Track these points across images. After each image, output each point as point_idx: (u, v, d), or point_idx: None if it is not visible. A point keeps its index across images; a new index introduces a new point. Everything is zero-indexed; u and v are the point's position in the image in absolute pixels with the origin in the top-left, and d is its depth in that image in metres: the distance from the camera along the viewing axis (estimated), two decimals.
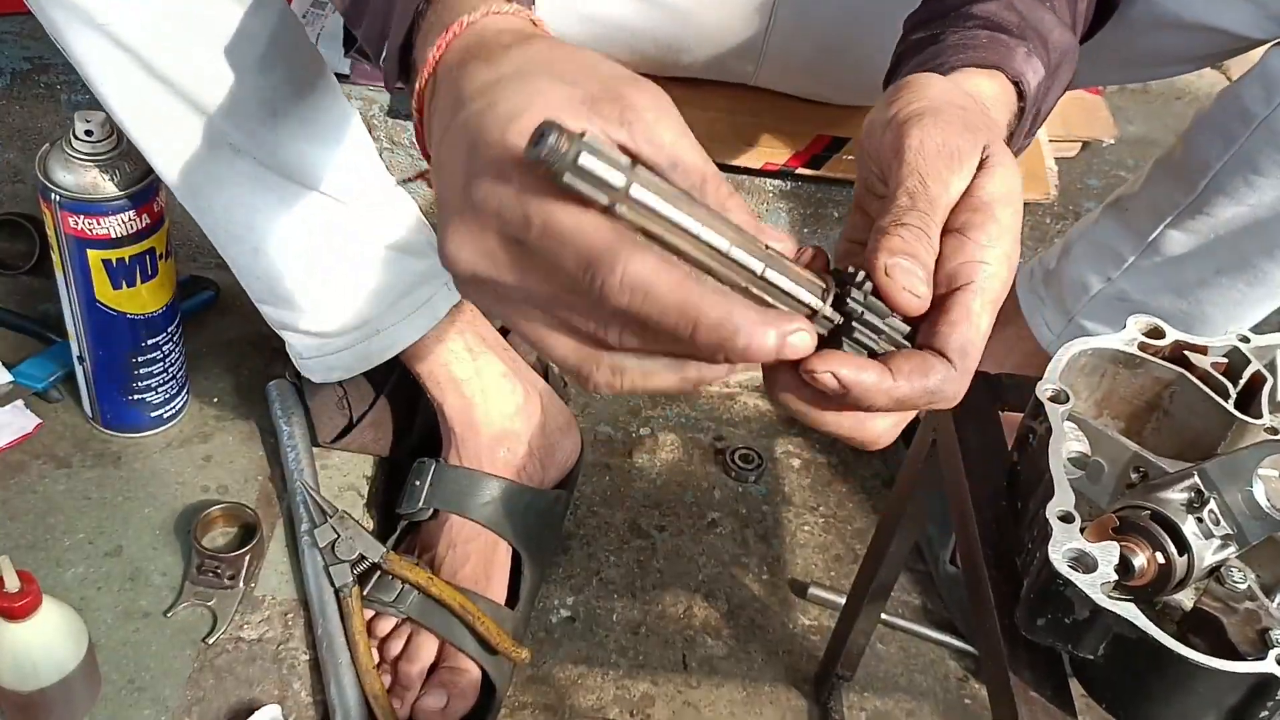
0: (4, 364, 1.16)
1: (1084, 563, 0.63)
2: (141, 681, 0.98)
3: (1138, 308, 1.06)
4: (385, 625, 1.03)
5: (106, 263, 1.00)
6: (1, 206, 1.29)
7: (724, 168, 1.21)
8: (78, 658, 0.91)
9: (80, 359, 1.09)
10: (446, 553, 1.06)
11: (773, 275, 0.48)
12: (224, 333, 1.26)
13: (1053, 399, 0.72)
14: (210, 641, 1.02)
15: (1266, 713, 0.62)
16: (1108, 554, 0.64)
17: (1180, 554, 0.66)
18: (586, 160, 0.42)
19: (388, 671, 1.01)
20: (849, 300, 0.52)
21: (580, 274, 0.45)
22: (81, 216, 0.98)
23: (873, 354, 0.53)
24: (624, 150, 0.46)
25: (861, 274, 0.53)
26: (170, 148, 0.91)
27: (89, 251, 1.00)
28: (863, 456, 1.31)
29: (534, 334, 0.49)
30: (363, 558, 1.02)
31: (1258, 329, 0.79)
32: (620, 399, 1.33)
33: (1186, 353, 0.76)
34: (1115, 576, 0.63)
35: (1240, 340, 0.77)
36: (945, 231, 0.56)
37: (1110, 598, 0.62)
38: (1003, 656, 0.69)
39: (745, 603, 1.16)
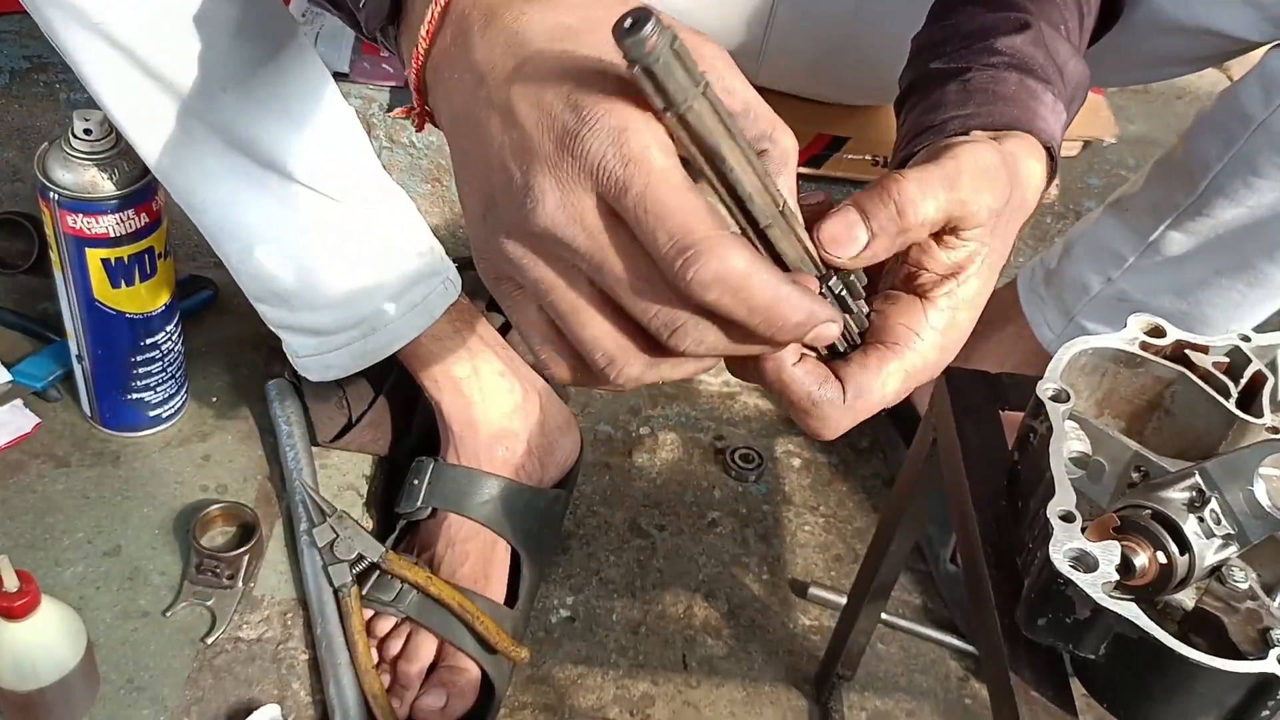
0: (3, 363, 1.16)
1: (1085, 562, 0.63)
2: (140, 681, 0.98)
3: (1138, 308, 1.05)
4: (384, 625, 1.03)
5: (105, 262, 1.00)
6: (0, 205, 1.29)
7: None
8: (77, 657, 0.90)
9: (79, 358, 1.09)
10: (445, 552, 1.06)
11: (774, 235, 0.48)
12: (222, 332, 1.26)
13: (1054, 398, 0.72)
14: (209, 641, 1.01)
15: (1267, 712, 0.62)
16: (1109, 553, 0.63)
17: (1181, 553, 0.66)
18: (671, 60, 0.41)
19: (387, 671, 1.01)
20: (831, 282, 0.53)
21: (672, 257, 0.43)
22: (80, 215, 0.97)
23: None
24: None
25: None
26: (165, 146, 0.91)
27: (88, 250, 0.99)
28: (863, 456, 1.31)
29: (572, 313, 0.47)
30: (361, 557, 1.02)
31: (1259, 329, 0.79)
32: (620, 398, 1.33)
33: (1188, 352, 0.76)
34: (1116, 576, 0.63)
35: (1241, 339, 0.77)
36: (916, 272, 0.57)
37: (1111, 597, 0.62)
38: (1003, 656, 0.69)
39: (745, 602, 1.16)
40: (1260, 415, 0.73)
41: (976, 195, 0.57)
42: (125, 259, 1.01)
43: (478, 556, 1.06)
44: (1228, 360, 0.76)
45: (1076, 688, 0.69)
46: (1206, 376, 0.75)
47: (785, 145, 0.51)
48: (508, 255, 0.47)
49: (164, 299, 1.06)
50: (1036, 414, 0.72)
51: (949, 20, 0.75)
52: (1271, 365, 0.76)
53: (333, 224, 0.99)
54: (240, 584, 1.05)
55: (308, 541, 1.05)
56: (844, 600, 1.06)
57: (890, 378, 0.55)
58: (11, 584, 0.85)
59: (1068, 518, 0.65)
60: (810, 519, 1.24)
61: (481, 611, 1.01)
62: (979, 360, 1.12)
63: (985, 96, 0.68)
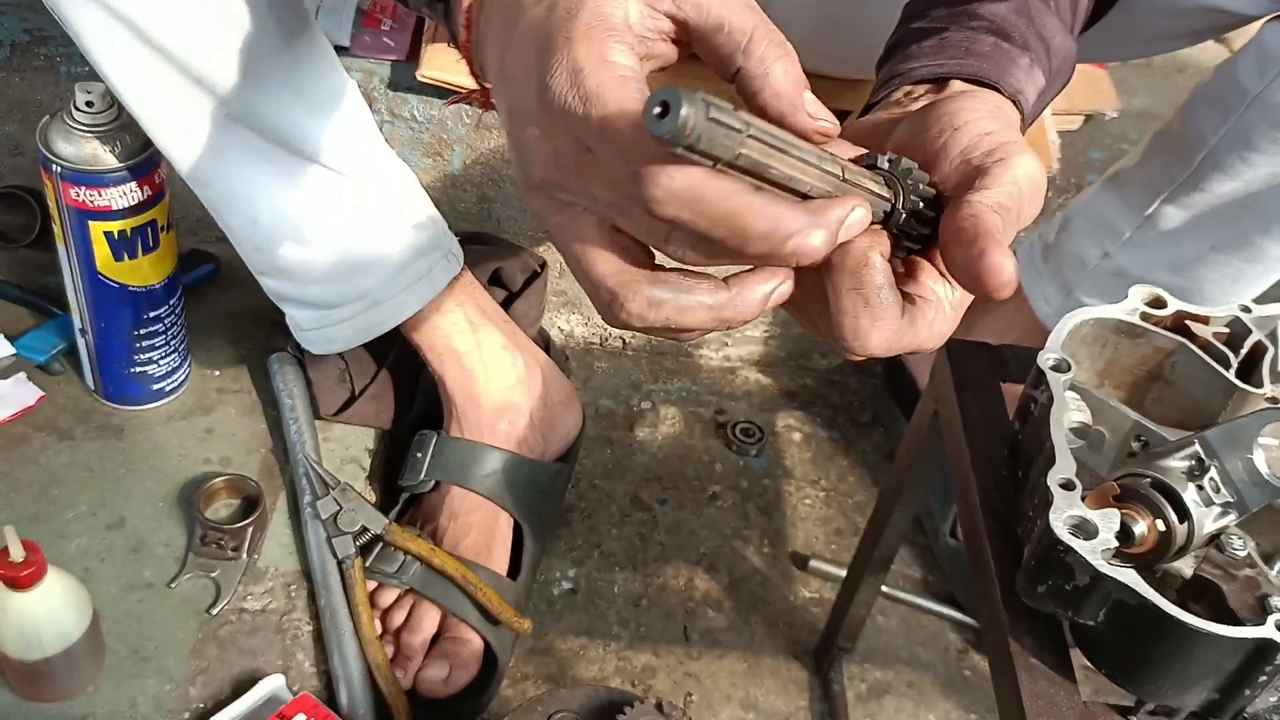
0: (6, 337, 1.16)
1: (1085, 529, 0.63)
2: (146, 652, 0.99)
3: (1134, 282, 1.05)
4: (388, 596, 1.04)
5: (108, 235, 1.00)
6: (1, 180, 1.29)
7: None
8: (82, 627, 0.91)
9: (82, 331, 1.09)
10: (448, 524, 1.06)
11: (851, 177, 0.49)
12: (225, 306, 1.26)
13: (1054, 368, 0.72)
14: (214, 612, 1.02)
15: (1265, 677, 0.62)
16: (1108, 521, 0.64)
17: (1180, 521, 0.66)
18: (710, 130, 0.41)
19: (390, 642, 1.01)
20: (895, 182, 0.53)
21: (632, 183, 0.45)
22: (83, 188, 0.98)
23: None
24: (671, 17, 0.50)
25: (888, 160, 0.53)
26: (167, 117, 0.91)
27: (90, 223, 1.00)
28: (864, 430, 1.32)
29: (583, 251, 0.49)
30: (365, 529, 1.03)
31: (1258, 302, 0.79)
32: (621, 373, 1.33)
33: (1188, 322, 0.77)
34: (1116, 543, 0.63)
35: (1241, 310, 0.77)
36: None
37: (1110, 564, 0.62)
38: (1003, 625, 0.69)
39: (746, 575, 1.17)
40: (1260, 385, 0.74)
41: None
42: (128, 232, 1.01)
43: (480, 529, 1.06)
44: (1228, 331, 0.77)
45: (1076, 657, 0.69)
46: (1207, 347, 0.75)
47: (770, 51, 0.50)
48: (534, 209, 0.51)
49: (167, 272, 1.06)
50: (1037, 384, 0.73)
51: None
52: (1271, 336, 0.76)
53: (335, 197, 0.99)
54: (244, 555, 1.05)
55: (311, 514, 1.05)
56: (844, 573, 1.06)
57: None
58: (18, 554, 0.86)
59: (1068, 485, 0.65)
60: (811, 492, 1.25)
61: (484, 583, 1.02)
62: (977, 335, 1.12)
63: (957, 51, 0.68)
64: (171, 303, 1.09)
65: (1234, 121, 0.93)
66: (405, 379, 1.17)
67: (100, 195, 0.98)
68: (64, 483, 1.08)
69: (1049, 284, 1.13)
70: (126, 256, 1.02)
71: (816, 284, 0.52)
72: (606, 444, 1.26)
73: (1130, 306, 0.77)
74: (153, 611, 1.01)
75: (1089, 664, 0.68)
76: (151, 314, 1.08)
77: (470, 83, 0.62)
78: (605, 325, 1.34)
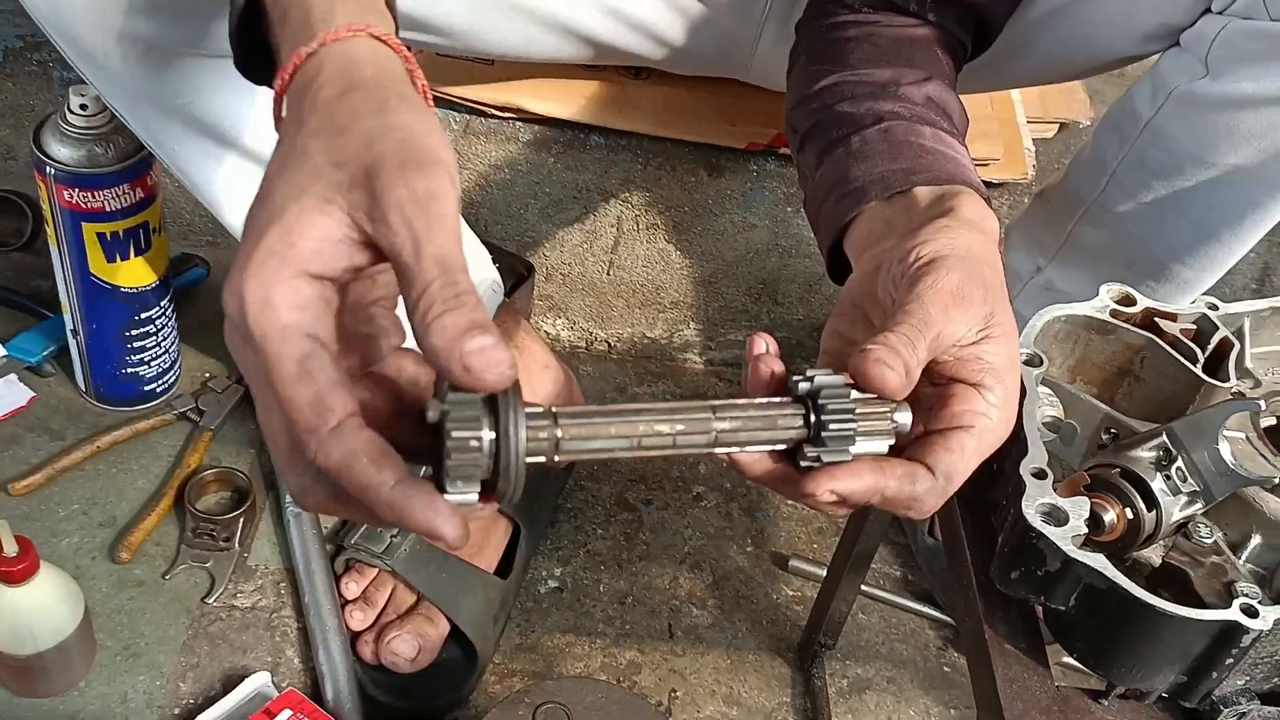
0: None
1: (1055, 516, 0.66)
2: (137, 648, 1.00)
3: (1064, 298, 1.08)
4: (370, 572, 1.05)
5: (101, 236, 1.02)
6: None
7: (706, 147, 1.23)
8: (74, 623, 0.92)
9: (74, 332, 1.10)
10: None
11: (725, 440, 0.54)
12: (215, 309, 1.25)
13: (1027, 363, 0.74)
14: (210, 601, 1.03)
15: (1232, 660, 0.64)
16: (1079, 508, 0.66)
17: (1149, 509, 0.69)
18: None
19: (361, 609, 1.03)
20: (817, 400, 0.55)
21: (294, 435, 0.47)
22: (77, 190, 0.99)
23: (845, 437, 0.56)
24: (372, 243, 0.48)
25: (817, 373, 0.56)
26: (154, 126, 0.91)
27: (84, 225, 1.01)
28: None
29: (261, 414, 0.50)
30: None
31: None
32: (607, 377, 1.35)
33: (1156, 319, 0.79)
34: (1086, 530, 0.66)
35: (1209, 308, 0.80)
36: (957, 380, 0.59)
37: (1080, 551, 0.65)
38: (979, 612, 0.71)
39: (730, 574, 1.18)
40: (1226, 380, 0.76)
41: (951, 325, 0.59)
42: (121, 233, 1.02)
43: (478, 528, 1.07)
44: (1195, 328, 0.79)
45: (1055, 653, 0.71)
46: (1175, 343, 0.78)
47: (448, 294, 0.47)
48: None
49: (159, 274, 1.08)
50: None
51: (835, 51, 0.81)
52: (1238, 333, 0.79)
53: None
54: (236, 546, 1.07)
55: (294, 511, 1.07)
56: (824, 572, 1.08)
57: (970, 456, 0.58)
58: (11, 549, 0.87)
59: (1040, 474, 0.68)
60: None
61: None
62: None
63: (911, 149, 0.72)
64: (163, 304, 1.10)
65: (1130, 145, 0.94)
66: None
67: (94, 197, 0.99)
68: (56, 482, 1.09)
69: None
70: (119, 258, 1.04)
71: None
72: None
73: (1100, 304, 0.79)
74: (144, 608, 1.03)
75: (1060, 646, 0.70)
76: (143, 315, 1.09)
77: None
78: (590, 329, 1.37)
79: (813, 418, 0.55)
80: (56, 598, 0.91)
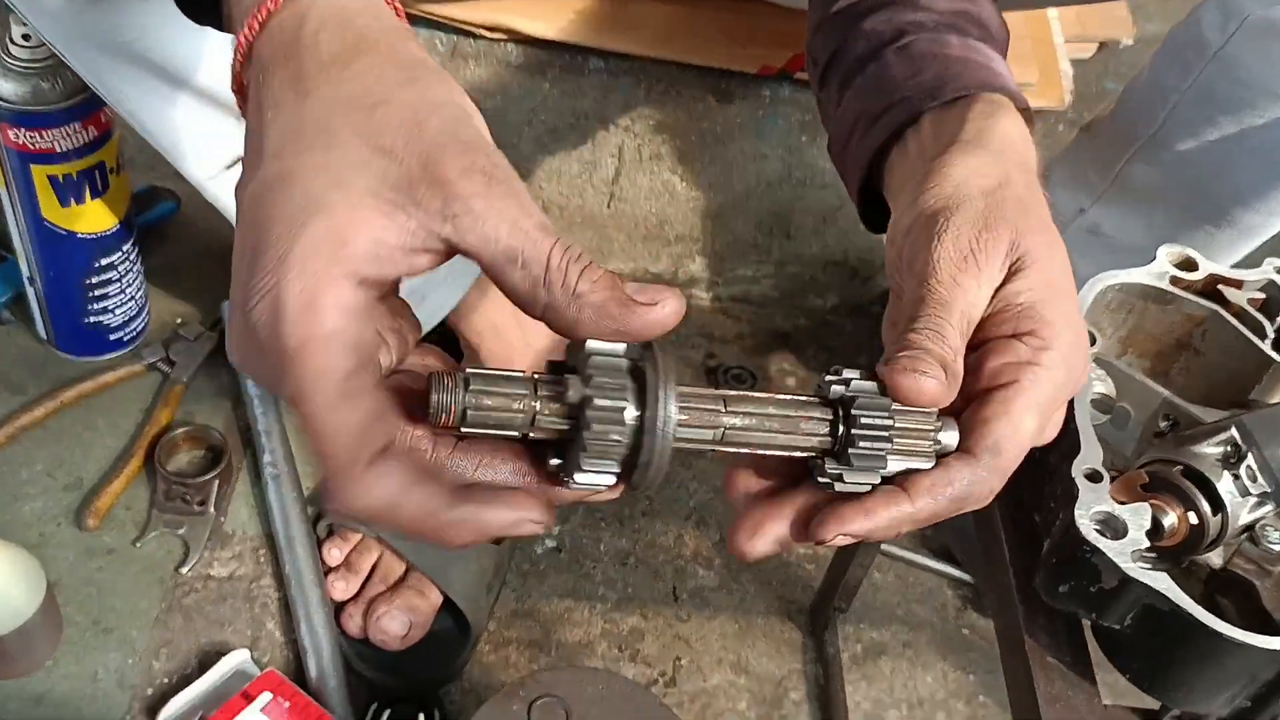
0: None
1: (1112, 527, 0.58)
2: (107, 623, 0.94)
3: (1110, 244, 1.00)
4: (354, 538, 0.99)
5: (52, 179, 0.93)
6: None
7: (714, 71, 1.14)
8: (34, 605, 0.86)
9: (30, 280, 1.02)
10: None
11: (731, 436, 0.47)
12: (187, 246, 1.19)
13: None
14: (185, 571, 0.97)
15: None
16: (1139, 517, 0.59)
17: (1214, 513, 0.61)
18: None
19: (344, 577, 0.97)
20: (850, 409, 0.48)
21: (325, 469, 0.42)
22: (23, 130, 0.90)
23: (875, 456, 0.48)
24: (448, 244, 0.42)
25: (853, 377, 0.49)
26: (97, 66, 0.82)
27: (33, 167, 0.92)
28: None
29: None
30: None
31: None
32: None
33: (1220, 287, 0.71)
34: (1146, 542, 0.58)
35: (1278, 273, 0.71)
36: (990, 339, 0.51)
37: (1140, 566, 0.57)
38: (1018, 620, 0.64)
39: None
40: None
41: (971, 294, 0.51)
42: (74, 175, 0.93)
43: None
44: (1263, 296, 0.71)
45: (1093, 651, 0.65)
46: (1241, 315, 0.70)
47: (571, 276, 0.43)
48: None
49: (119, 217, 0.99)
50: None
51: None
52: None
53: None
54: (211, 510, 1.00)
55: (272, 474, 1.00)
56: None
57: (1021, 416, 0.48)
58: None
59: (1094, 477, 0.60)
60: None
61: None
62: None
63: (934, 62, 0.61)
64: (125, 249, 1.02)
65: (1195, 76, 0.86)
66: None
67: (41, 137, 0.90)
68: (16, 441, 1.02)
69: None
70: (73, 202, 0.95)
71: None
72: None
73: (1159, 269, 0.71)
74: (114, 579, 0.96)
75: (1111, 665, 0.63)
76: (104, 262, 1.01)
77: None
78: None
79: (840, 429, 0.48)
80: (12, 580, 0.85)
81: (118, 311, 1.05)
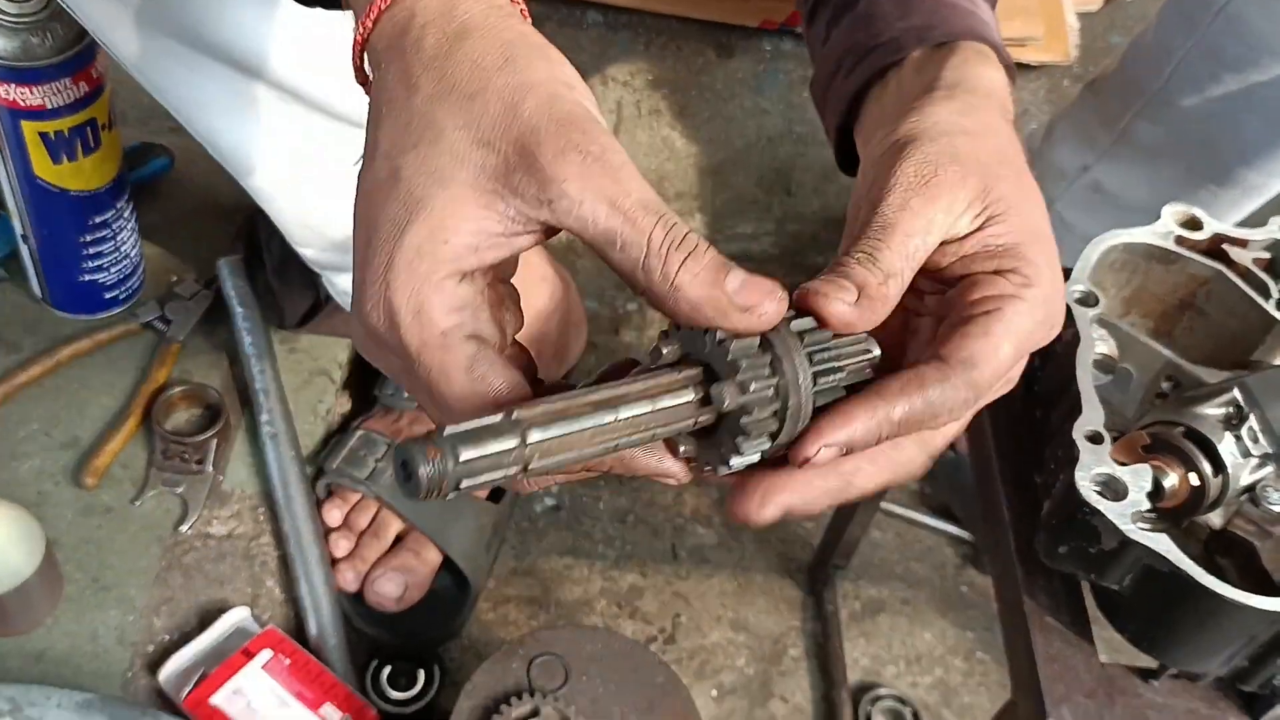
0: None
1: (1113, 489, 0.58)
2: (106, 580, 0.94)
3: (1113, 201, 0.99)
4: (353, 496, 0.99)
5: (44, 136, 0.92)
6: None
7: (715, 25, 1.12)
8: (33, 564, 0.86)
9: (24, 238, 1.01)
10: None
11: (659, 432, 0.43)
12: (182, 203, 1.18)
13: (1081, 301, 0.66)
14: (184, 529, 0.97)
15: None
16: (1139, 479, 0.58)
17: (1215, 474, 0.61)
18: (465, 474, 0.38)
19: (345, 536, 0.97)
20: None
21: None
22: (13, 85, 0.89)
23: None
24: (548, 226, 0.42)
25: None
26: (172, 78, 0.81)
27: (23, 123, 0.91)
28: None
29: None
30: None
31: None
32: (606, 272, 1.26)
33: (1225, 246, 0.70)
34: (1147, 504, 0.58)
35: None
36: (972, 274, 0.49)
37: (1140, 528, 0.57)
38: (1017, 580, 0.64)
39: None
40: None
41: (919, 219, 0.48)
42: (65, 132, 0.92)
43: None
44: (1268, 256, 0.70)
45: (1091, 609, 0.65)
46: (1246, 274, 0.69)
47: (673, 260, 0.42)
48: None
49: (112, 174, 0.98)
50: None
51: None
52: None
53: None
54: (210, 469, 1.00)
55: (269, 432, 1.00)
56: None
57: (999, 340, 0.46)
58: None
59: (1095, 439, 0.60)
60: None
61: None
62: None
63: (924, 4, 0.58)
64: (119, 206, 1.01)
65: (1200, 33, 0.84)
66: None
67: (32, 93, 0.89)
68: (13, 399, 1.02)
69: None
70: (65, 159, 0.94)
71: None
72: (591, 348, 1.19)
73: (1163, 229, 0.70)
74: (113, 537, 0.96)
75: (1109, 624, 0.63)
76: (97, 219, 1.00)
77: None
78: None
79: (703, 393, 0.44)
80: (11, 539, 0.85)
81: (112, 270, 1.04)
